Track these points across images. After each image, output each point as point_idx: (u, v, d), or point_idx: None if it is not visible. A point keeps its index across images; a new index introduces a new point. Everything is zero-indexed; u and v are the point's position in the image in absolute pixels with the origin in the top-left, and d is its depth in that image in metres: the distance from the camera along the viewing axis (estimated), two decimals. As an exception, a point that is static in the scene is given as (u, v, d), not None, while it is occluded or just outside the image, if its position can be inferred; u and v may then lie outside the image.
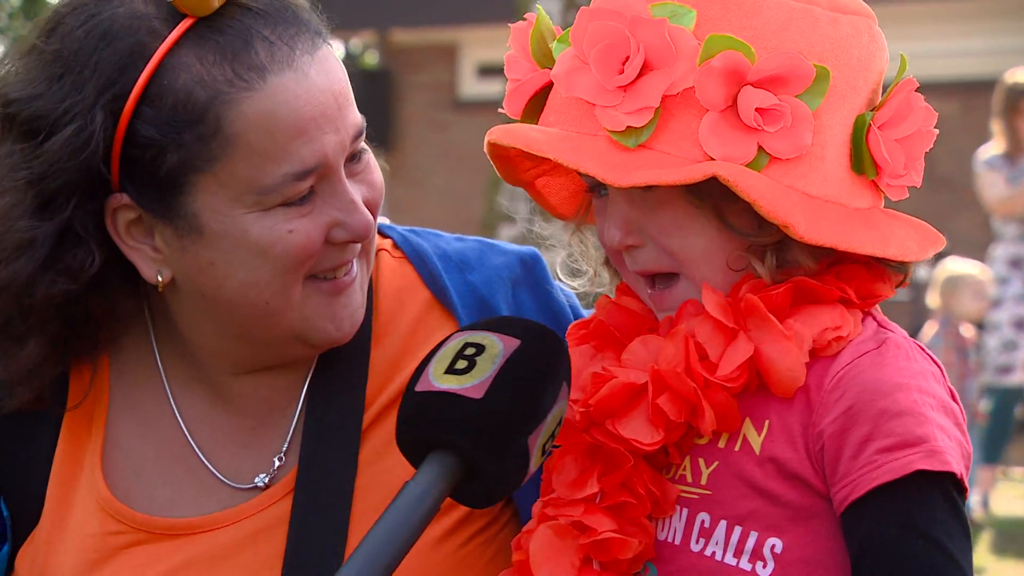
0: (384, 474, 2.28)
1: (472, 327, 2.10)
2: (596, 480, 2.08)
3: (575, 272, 2.32)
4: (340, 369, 2.34)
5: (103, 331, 2.32)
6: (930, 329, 10.85)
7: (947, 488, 1.99)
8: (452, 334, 2.09)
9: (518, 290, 2.41)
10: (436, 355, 2.06)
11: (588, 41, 2.08)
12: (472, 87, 19.54)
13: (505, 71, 2.21)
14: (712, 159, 2.02)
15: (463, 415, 1.99)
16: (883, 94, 2.14)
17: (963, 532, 2.00)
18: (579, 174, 2.18)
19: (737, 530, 2.05)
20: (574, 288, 2.32)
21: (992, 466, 11.21)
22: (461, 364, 2.03)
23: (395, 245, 2.44)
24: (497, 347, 2.04)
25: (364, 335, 2.35)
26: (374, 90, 18.88)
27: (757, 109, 2.02)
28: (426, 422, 2.01)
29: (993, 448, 11.03)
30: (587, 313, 2.41)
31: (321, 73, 2.20)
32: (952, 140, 11.14)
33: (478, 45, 19.47)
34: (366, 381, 2.34)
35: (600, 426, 2.09)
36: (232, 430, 2.35)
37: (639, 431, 2.06)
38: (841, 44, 2.09)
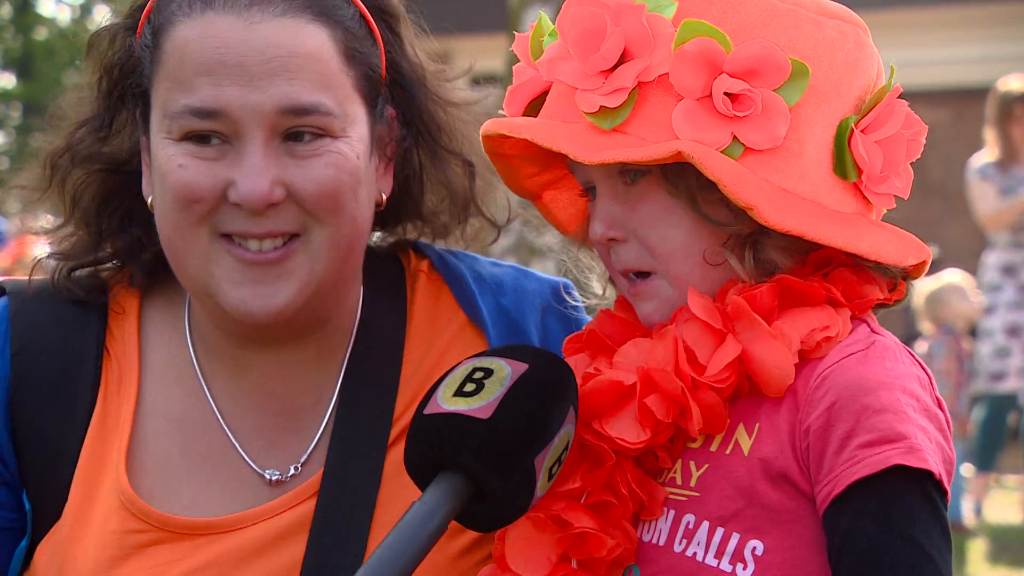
0: (406, 488, 2.28)
1: (481, 354, 2.13)
2: (580, 476, 2.09)
3: (582, 286, 2.36)
4: (371, 378, 2.37)
5: (145, 248, 2.44)
6: (921, 347, 10.86)
7: (926, 488, 2.01)
8: (462, 360, 2.12)
9: (547, 316, 2.44)
10: (445, 379, 2.09)
11: (569, 26, 2.12)
12: (464, 96, 19.53)
13: (513, 79, 2.23)
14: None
15: (470, 435, 2.01)
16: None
17: (941, 532, 2.01)
18: (577, 178, 2.21)
19: (719, 531, 2.07)
20: (581, 303, 2.36)
21: (985, 474, 11.21)
22: (469, 387, 2.05)
23: (432, 266, 2.47)
24: (505, 371, 2.07)
25: (396, 349, 2.38)
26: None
27: (726, 93, 2.05)
28: (434, 443, 2.03)
29: (985, 456, 11.04)
30: None
31: (265, 33, 2.23)
32: (944, 148, 11.16)
33: (471, 54, 19.47)
34: (396, 395, 2.37)
35: (587, 425, 2.10)
36: (262, 426, 2.38)
37: (626, 430, 2.08)
38: (825, 46, 2.11)
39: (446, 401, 2.05)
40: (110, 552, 2.31)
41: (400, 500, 2.27)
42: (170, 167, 2.26)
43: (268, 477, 2.34)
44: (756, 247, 2.09)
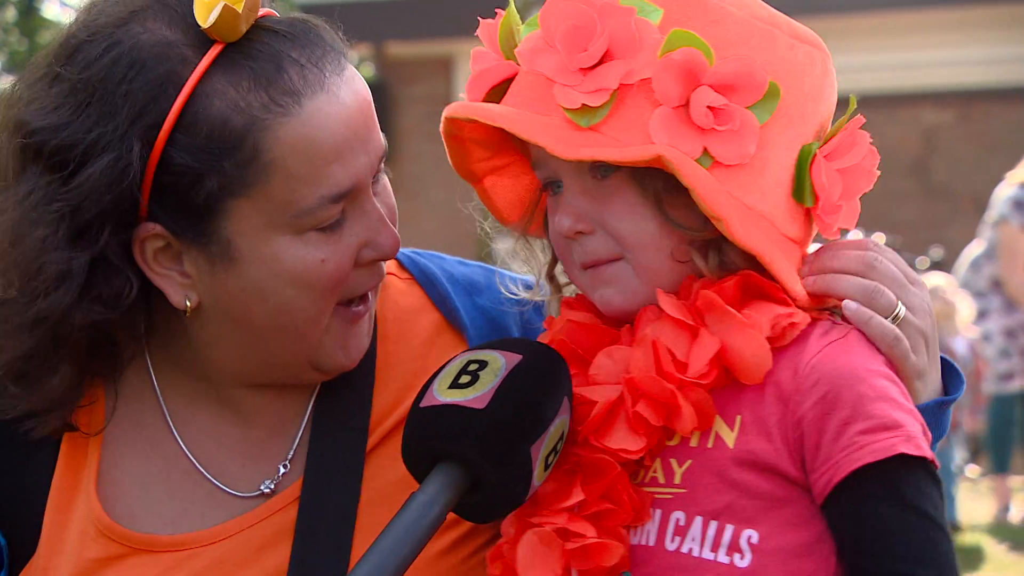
0: (388, 488, 2.28)
1: (476, 347, 2.15)
2: (580, 489, 2.10)
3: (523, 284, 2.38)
4: (346, 385, 2.35)
5: (124, 352, 2.32)
6: None
7: (928, 468, 2.05)
8: (457, 354, 2.13)
9: (526, 311, 2.41)
10: (441, 373, 2.10)
11: (555, 20, 2.13)
12: (468, 99, 19.52)
13: (471, 64, 2.24)
14: None
15: (466, 425, 2.02)
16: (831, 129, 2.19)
17: (943, 503, 2.06)
18: (532, 167, 2.22)
19: (713, 525, 2.07)
20: (518, 297, 2.35)
21: (1003, 475, 11.19)
22: (464, 379, 2.07)
23: (401, 266, 2.44)
24: (499, 362, 2.08)
25: (370, 355, 2.35)
26: (370, 103, 18.81)
27: (708, 107, 2.07)
28: (430, 435, 2.04)
29: (1000, 456, 11.02)
30: None
31: (350, 93, 2.20)
32: (949, 149, 11.16)
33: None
34: (371, 399, 2.35)
35: (581, 444, 2.12)
36: (237, 441, 2.35)
37: (624, 441, 2.09)
38: (796, 70, 2.14)
39: (441, 393, 2.06)
40: None
41: (383, 501, 2.25)
42: (310, 265, 2.18)
43: (246, 495, 2.32)
44: (720, 249, 2.12)
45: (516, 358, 2.09)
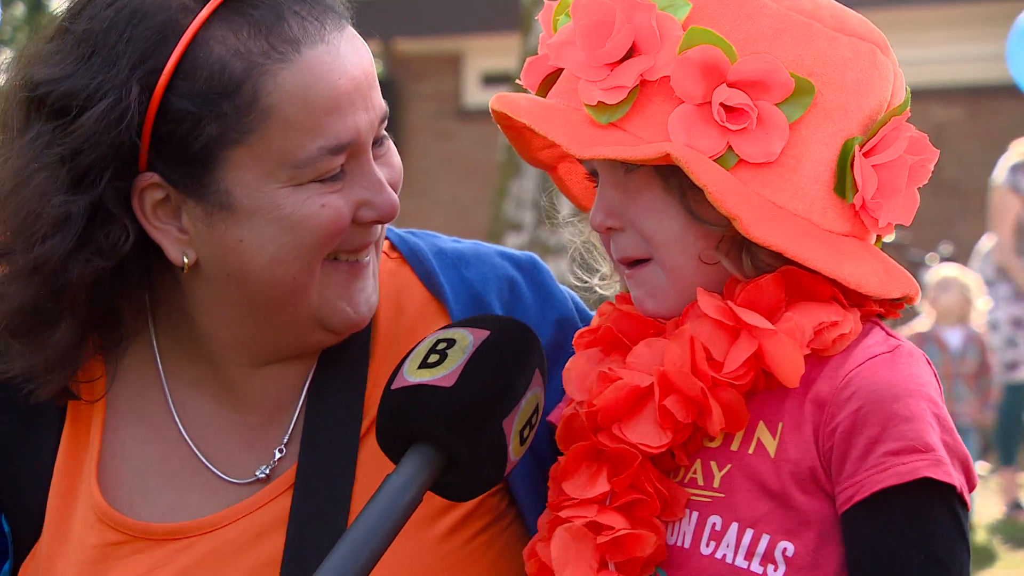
0: (383, 474, 2.28)
1: (445, 326, 2.16)
2: (606, 479, 2.09)
3: (589, 268, 2.34)
4: (341, 367, 2.35)
5: (125, 325, 2.33)
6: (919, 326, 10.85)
7: (951, 502, 2.00)
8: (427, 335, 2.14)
9: (515, 288, 2.41)
10: (411, 354, 2.11)
11: (580, 14, 2.11)
12: (477, 96, 19.54)
13: (538, 48, 2.23)
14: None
15: (435, 404, 2.04)
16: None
17: (964, 547, 2.01)
18: (582, 163, 2.21)
19: (749, 533, 2.05)
20: (588, 284, 2.33)
21: (1011, 468, 11.17)
22: (433, 358, 2.08)
23: (392, 246, 2.44)
24: (467, 339, 2.09)
25: (365, 337, 2.35)
26: (379, 100, 18.79)
27: (721, 104, 2.04)
28: (401, 416, 2.06)
29: (1007, 449, 11.01)
30: (592, 311, 2.44)
31: (351, 50, 2.22)
32: (958, 145, 11.16)
33: (482, 54, 19.48)
34: (366, 381, 2.35)
35: (606, 431, 2.10)
36: (236, 429, 2.35)
37: (647, 435, 2.07)
38: (835, 63, 2.09)
39: (411, 374, 2.07)
40: (91, 567, 2.29)
41: (376, 487, 2.26)
42: (310, 211, 2.19)
43: (241, 481, 2.32)
44: (751, 251, 2.08)
45: (483, 334, 2.09)
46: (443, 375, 2.05)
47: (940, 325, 10.73)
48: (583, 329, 2.24)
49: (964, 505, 2.01)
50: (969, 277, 10.81)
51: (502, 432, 2.05)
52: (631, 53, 2.09)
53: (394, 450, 2.07)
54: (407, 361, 2.10)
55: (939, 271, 10.95)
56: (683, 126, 2.05)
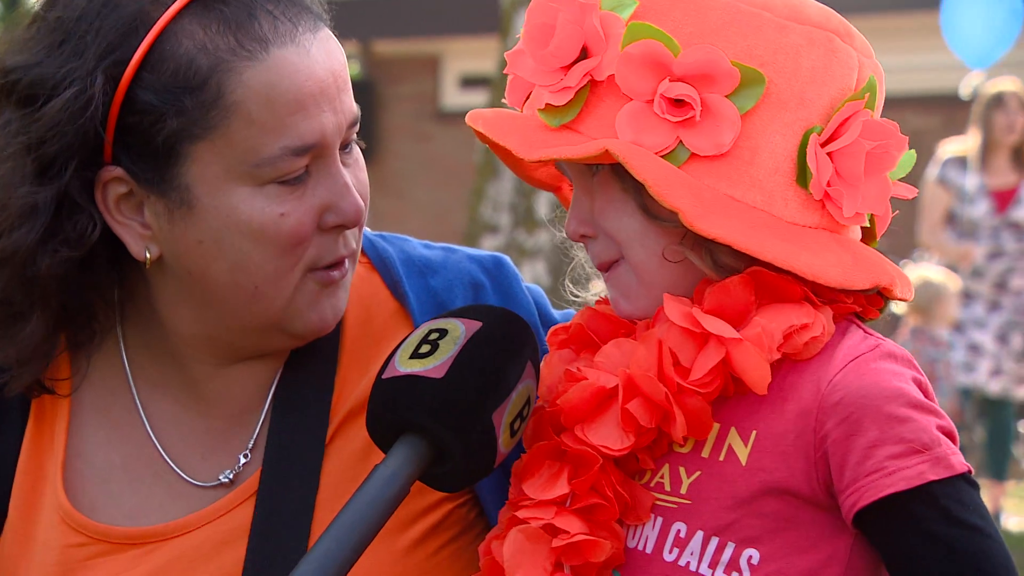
0: (348, 483, 2.25)
1: (438, 316, 2.15)
2: (566, 481, 2.08)
3: (580, 281, 2.32)
4: (308, 372, 2.34)
5: (96, 321, 2.31)
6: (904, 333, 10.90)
7: (966, 477, 2.00)
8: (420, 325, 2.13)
9: (480, 292, 2.40)
10: (403, 343, 2.10)
11: (528, 19, 2.12)
12: (455, 98, 19.53)
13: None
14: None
15: (425, 394, 2.03)
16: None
17: (987, 511, 2.02)
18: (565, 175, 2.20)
19: (714, 541, 2.04)
20: (583, 298, 2.30)
21: (999, 483, 11.17)
22: (425, 348, 2.07)
23: (362, 252, 2.43)
24: (459, 329, 2.09)
25: (333, 342, 2.34)
26: (356, 101, 18.83)
27: (667, 98, 2.03)
28: (391, 406, 2.05)
29: (997, 466, 11.02)
30: (557, 313, 2.45)
31: (322, 52, 2.21)
32: (934, 153, 11.21)
33: (461, 56, 19.48)
34: (332, 388, 2.33)
35: (569, 431, 2.09)
36: (201, 432, 2.33)
37: (608, 437, 2.06)
38: (788, 52, 2.07)
39: (402, 364, 2.07)
40: (54, 569, 2.27)
41: (342, 495, 2.21)
42: (268, 218, 2.17)
43: (205, 484, 2.31)
44: (710, 248, 2.06)
45: (476, 325, 2.09)
46: (434, 366, 2.04)
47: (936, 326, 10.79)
48: (556, 326, 2.24)
49: (969, 472, 2.01)
50: (950, 280, 10.85)
51: (492, 424, 2.04)
52: (585, 55, 2.08)
53: (383, 440, 2.06)
54: (399, 351, 2.09)
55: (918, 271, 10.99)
56: (630, 123, 2.04)
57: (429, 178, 19.30)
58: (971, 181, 10.65)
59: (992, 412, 10.98)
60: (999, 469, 11.02)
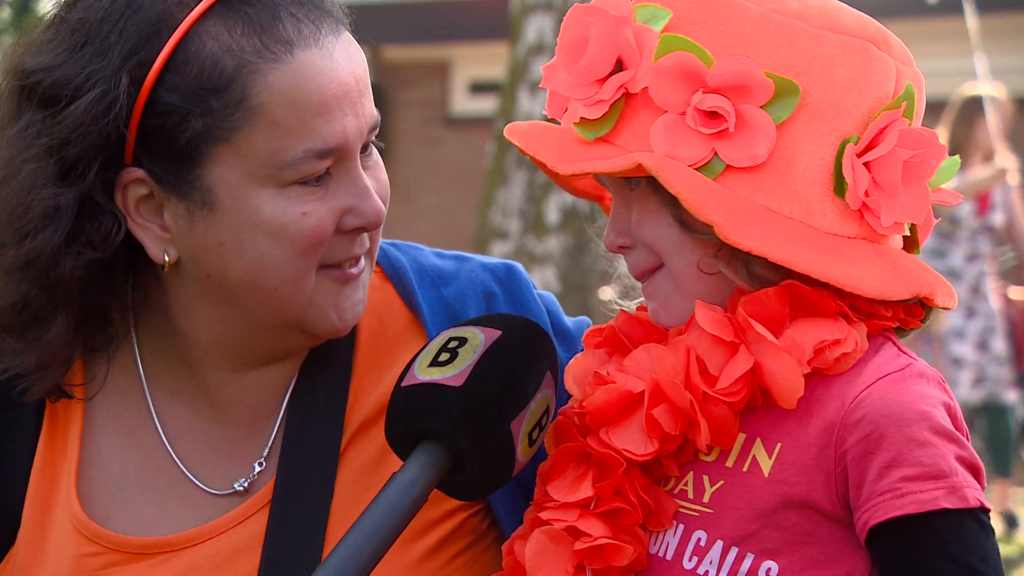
0: (362, 492, 2.26)
1: (457, 324, 2.16)
2: (591, 484, 2.08)
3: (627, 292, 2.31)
4: (322, 380, 2.33)
5: (112, 325, 2.31)
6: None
7: (975, 514, 1.98)
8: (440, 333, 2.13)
9: (492, 301, 2.40)
10: (423, 351, 2.11)
11: (562, 33, 2.12)
12: (464, 104, 19.53)
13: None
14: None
15: (443, 402, 2.04)
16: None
17: (995, 552, 1.99)
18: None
19: (733, 551, 2.04)
20: (627, 307, 2.29)
21: (1003, 480, 11.14)
22: (444, 356, 2.08)
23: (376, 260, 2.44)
24: (479, 338, 2.09)
25: (347, 351, 2.34)
26: (366, 106, 18.78)
27: (695, 108, 2.03)
28: (410, 414, 2.06)
29: (999, 464, 10.99)
30: (569, 320, 2.44)
31: (344, 56, 2.21)
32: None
33: (470, 62, 19.48)
34: (347, 396, 2.33)
35: (595, 434, 2.09)
36: (216, 439, 2.33)
37: (632, 442, 2.06)
38: (823, 62, 2.06)
39: (422, 372, 2.07)
40: None
41: (356, 505, 2.22)
42: (290, 218, 2.18)
43: (220, 492, 2.31)
44: (746, 260, 2.06)
45: (495, 334, 2.09)
46: (453, 374, 2.05)
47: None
48: (591, 328, 2.24)
49: (985, 511, 2.00)
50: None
51: (510, 433, 2.05)
52: (619, 68, 2.08)
53: (402, 447, 2.07)
54: (418, 358, 2.10)
55: None
56: (664, 135, 2.04)
57: (438, 183, 19.30)
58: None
59: (990, 418, 10.95)
60: (1003, 466, 10.99)
